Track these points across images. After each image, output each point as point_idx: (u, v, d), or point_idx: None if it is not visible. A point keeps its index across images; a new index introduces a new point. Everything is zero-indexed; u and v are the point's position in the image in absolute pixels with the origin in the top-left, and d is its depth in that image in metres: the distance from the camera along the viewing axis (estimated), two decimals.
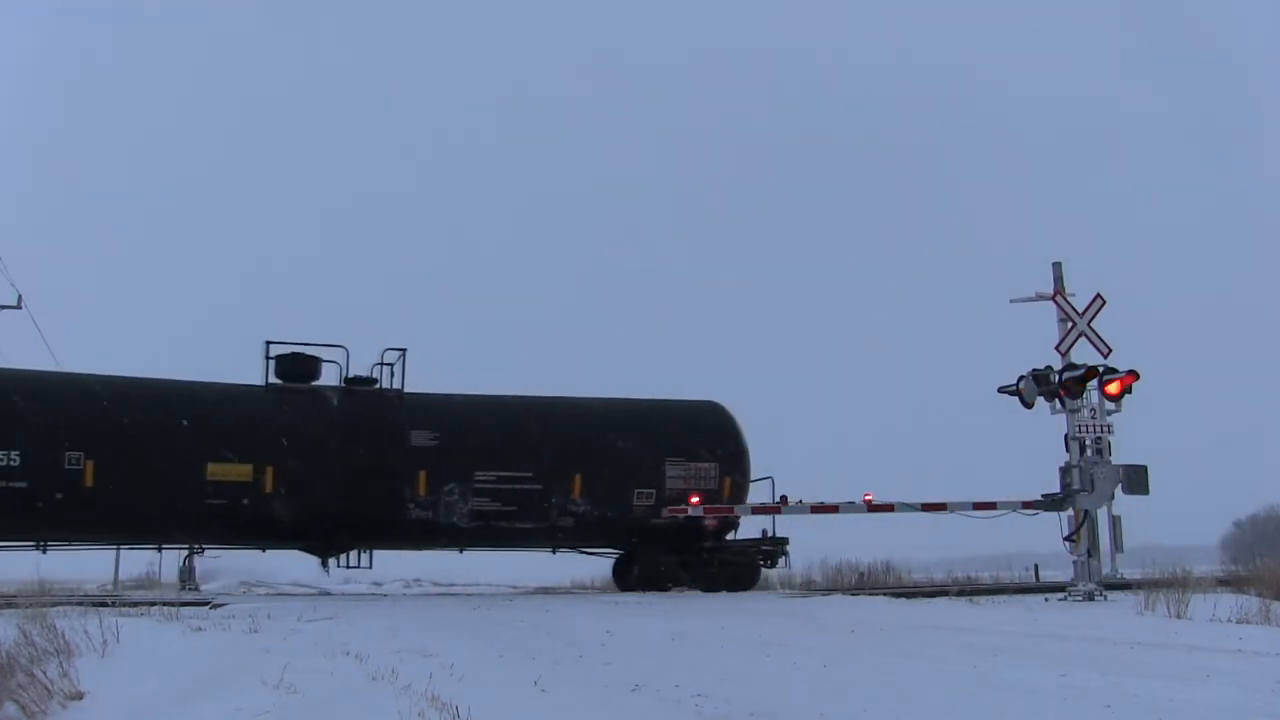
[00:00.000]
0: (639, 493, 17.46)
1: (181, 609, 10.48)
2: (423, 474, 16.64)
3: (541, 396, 18.41)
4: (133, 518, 15.80)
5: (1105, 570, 15.19)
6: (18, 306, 24.09)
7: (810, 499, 17.51)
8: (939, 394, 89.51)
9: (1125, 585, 14.77)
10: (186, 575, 17.80)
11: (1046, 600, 14.32)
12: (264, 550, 17.56)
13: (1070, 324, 15.72)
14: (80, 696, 5.32)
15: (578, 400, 18.60)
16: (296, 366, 16.83)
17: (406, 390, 17.18)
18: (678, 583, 17.49)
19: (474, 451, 17.06)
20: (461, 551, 18.02)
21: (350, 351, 17.03)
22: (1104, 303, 15.75)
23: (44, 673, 5.53)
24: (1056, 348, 15.81)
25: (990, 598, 14.89)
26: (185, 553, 17.59)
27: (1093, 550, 14.99)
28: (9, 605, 9.95)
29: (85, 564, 17.59)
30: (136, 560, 22.88)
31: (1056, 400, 15.44)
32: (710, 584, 17.36)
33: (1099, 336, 15.60)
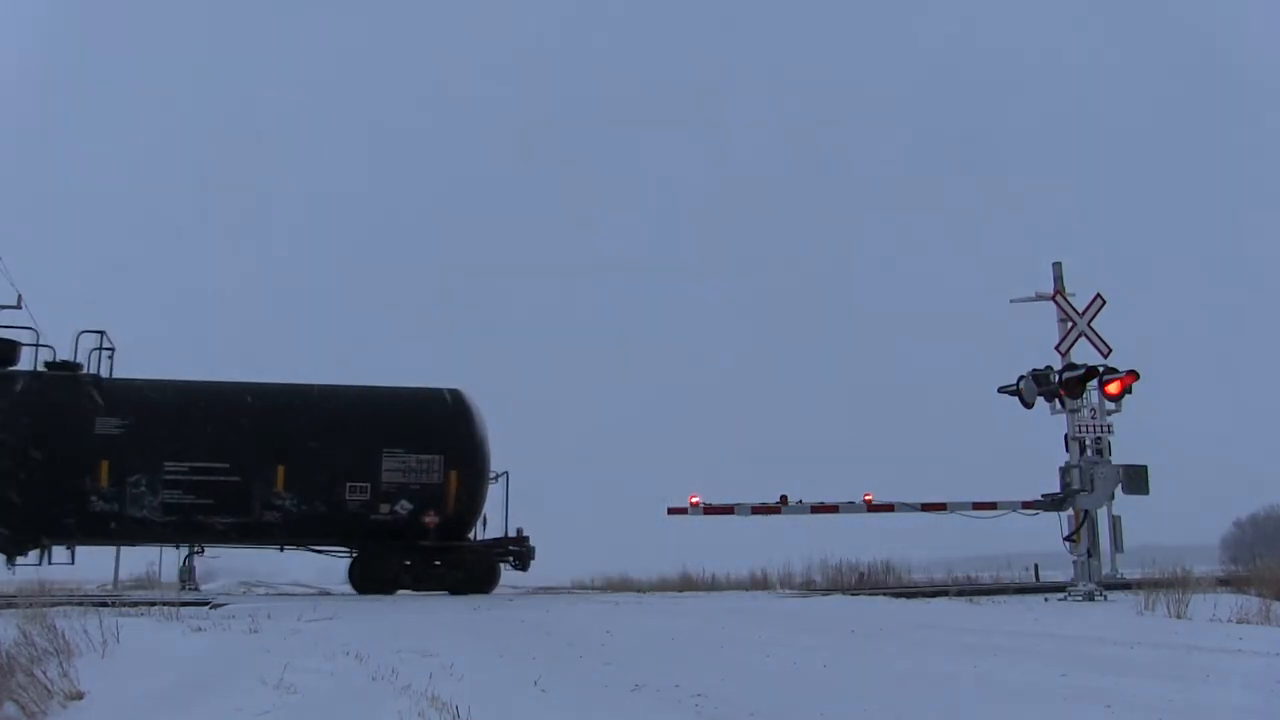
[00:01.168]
0: (351, 486, 16.44)
1: (181, 609, 10.50)
2: (105, 464, 15.67)
3: (241, 382, 17.29)
4: None
5: (1105, 570, 15.20)
6: (17, 306, 24.07)
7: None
8: (938, 394, 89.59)
9: (1125, 585, 14.77)
10: (186, 575, 17.79)
11: (1046, 600, 14.32)
12: None
13: (1070, 324, 15.73)
14: (80, 696, 5.31)
15: (282, 386, 17.35)
16: None
17: (113, 376, 16.26)
18: (402, 584, 16.69)
19: (163, 440, 16.02)
20: (178, 547, 17.18)
21: (39, 333, 16.32)
22: (1104, 303, 15.75)
23: (44, 673, 5.52)
24: (1056, 348, 15.82)
25: (990, 598, 14.89)
26: (185, 552, 17.59)
27: (1093, 550, 15.00)
28: (9, 605, 9.94)
29: (85, 564, 17.55)
30: (136, 560, 22.87)
31: (1056, 400, 15.45)
32: (437, 585, 16.60)
33: (1099, 336, 15.61)
